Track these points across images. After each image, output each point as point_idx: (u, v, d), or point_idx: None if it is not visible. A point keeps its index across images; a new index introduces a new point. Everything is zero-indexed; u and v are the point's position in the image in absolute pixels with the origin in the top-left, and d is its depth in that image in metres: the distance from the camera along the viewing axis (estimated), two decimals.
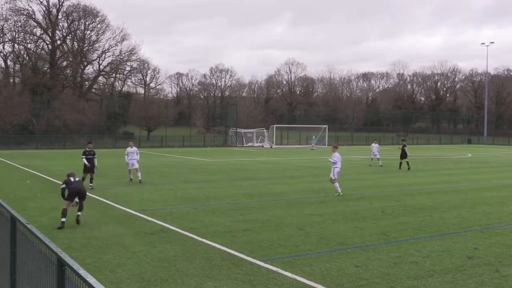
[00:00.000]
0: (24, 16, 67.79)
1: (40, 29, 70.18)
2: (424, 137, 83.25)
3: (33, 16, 68.40)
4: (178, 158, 39.66)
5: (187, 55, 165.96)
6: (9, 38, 69.03)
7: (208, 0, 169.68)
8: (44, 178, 23.59)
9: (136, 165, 22.48)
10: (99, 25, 73.96)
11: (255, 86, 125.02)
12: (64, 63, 73.31)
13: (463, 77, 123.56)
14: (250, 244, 10.88)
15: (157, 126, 74.57)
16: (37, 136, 55.82)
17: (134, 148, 22.96)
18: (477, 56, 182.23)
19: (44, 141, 54.90)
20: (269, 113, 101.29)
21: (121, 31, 76.43)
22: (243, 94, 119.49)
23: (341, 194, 18.42)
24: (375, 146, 32.94)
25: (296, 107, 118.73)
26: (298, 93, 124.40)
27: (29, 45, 70.46)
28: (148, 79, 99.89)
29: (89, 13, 72.42)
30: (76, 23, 72.95)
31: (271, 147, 61.52)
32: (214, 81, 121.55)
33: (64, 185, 13.20)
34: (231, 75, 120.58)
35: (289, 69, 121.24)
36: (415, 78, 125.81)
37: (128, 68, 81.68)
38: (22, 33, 68.80)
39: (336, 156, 18.78)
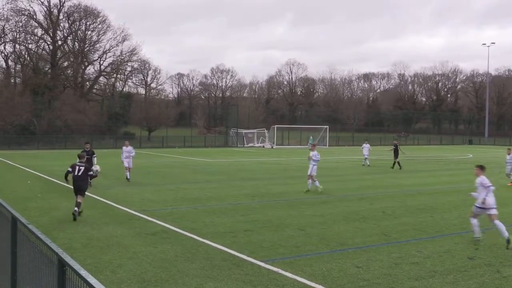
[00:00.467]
0: (25, 17, 67.91)
1: (41, 29, 70.31)
2: (425, 138, 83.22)
3: (34, 17, 68.55)
4: (179, 158, 39.67)
5: (188, 56, 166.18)
6: (10, 38, 69.19)
7: (209, 0, 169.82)
8: (44, 179, 23.59)
9: (131, 165, 23.00)
10: (100, 26, 74.15)
11: (256, 87, 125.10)
12: (65, 64, 73.40)
13: (464, 78, 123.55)
14: (251, 244, 10.88)
15: (158, 126, 74.60)
16: (38, 137, 55.85)
17: (129, 148, 23.34)
18: (479, 57, 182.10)
19: (45, 142, 54.93)
20: (270, 114, 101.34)
21: (122, 31, 76.63)
22: (244, 95, 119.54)
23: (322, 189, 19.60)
24: (366, 146, 33.60)
25: (297, 107, 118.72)
26: (299, 93, 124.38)
27: (30, 46, 70.61)
28: (149, 79, 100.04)
29: (90, 14, 72.53)
30: (77, 23, 73.06)
31: (272, 147, 61.51)
32: (215, 82, 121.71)
33: (70, 169, 14.12)
34: (232, 75, 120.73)
35: (290, 69, 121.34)
36: (416, 78, 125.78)
37: (129, 69, 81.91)
38: (23, 34, 68.95)
39: (318, 155, 20.49)
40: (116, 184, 21.51)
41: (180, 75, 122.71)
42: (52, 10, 69.52)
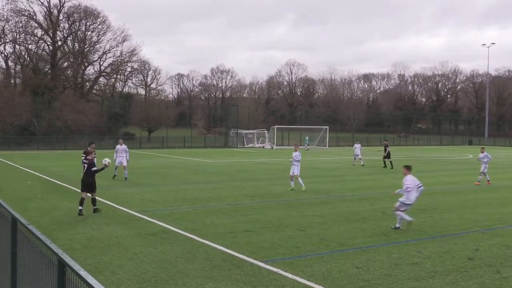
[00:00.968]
0: (25, 17, 67.89)
1: (41, 30, 70.29)
2: (425, 138, 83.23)
3: (34, 17, 68.53)
4: (179, 159, 39.67)
5: (188, 56, 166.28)
6: (10, 39, 69.17)
7: (209, 0, 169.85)
8: (44, 179, 23.60)
9: (125, 163, 23.27)
10: (100, 26, 74.14)
11: (256, 87, 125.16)
12: (65, 64, 73.40)
13: (464, 78, 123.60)
14: (251, 245, 10.87)
15: (158, 127, 74.60)
16: (38, 137, 55.83)
17: (124, 146, 23.70)
18: (479, 57, 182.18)
19: (45, 142, 54.92)
20: (269, 114, 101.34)
21: (122, 32, 76.66)
22: (244, 95, 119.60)
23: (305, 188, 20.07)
24: (357, 146, 34.10)
25: (297, 108, 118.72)
26: (299, 94, 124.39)
27: (30, 46, 70.59)
28: (149, 80, 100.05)
29: (90, 14, 72.53)
30: (77, 24, 73.06)
31: (272, 148, 61.49)
32: (215, 82, 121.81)
33: (86, 161, 15.43)
34: (232, 76, 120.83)
35: (290, 70, 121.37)
36: (416, 79, 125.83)
37: (129, 69, 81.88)
38: (23, 34, 68.91)
39: (300, 155, 20.93)
40: (116, 184, 21.51)
41: (180, 76, 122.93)
42: (52, 10, 69.56)
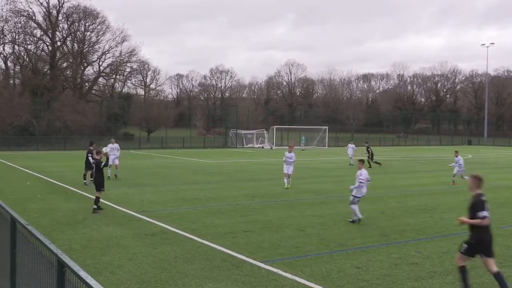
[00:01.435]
0: (24, 18, 67.87)
1: (40, 30, 70.28)
2: (425, 138, 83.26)
3: (33, 18, 68.52)
4: (179, 159, 39.66)
5: (187, 56, 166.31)
6: (9, 39, 69.15)
7: (209, 1, 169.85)
8: (44, 180, 23.58)
9: (116, 162, 23.73)
10: (99, 26, 74.18)
11: (255, 87, 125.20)
12: (64, 64, 73.37)
13: (463, 78, 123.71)
14: (251, 245, 10.87)
15: (157, 127, 74.58)
16: (37, 138, 55.80)
17: (116, 145, 24.20)
18: (479, 57, 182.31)
19: (44, 143, 54.90)
20: (269, 114, 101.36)
21: (121, 32, 76.71)
22: (243, 95, 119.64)
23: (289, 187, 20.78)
24: (350, 146, 34.78)
25: (296, 108, 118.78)
26: (298, 94, 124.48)
27: (29, 47, 70.57)
28: (148, 80, 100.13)
29: (89, 15, 72.53)
30: (76, 24, 73.06)
31: (271, 148, 61.49)
32: (214, 82, 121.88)
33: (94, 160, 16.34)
34: (231, 76, 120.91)
35: (289, 70, 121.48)
36: (415, 79, 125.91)
37: (128, 69, 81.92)
38: (22, 35, 68.90)
39: (294, 156, 21.78)
40: (115, 185, 21.50)
41: (179, 76, 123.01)
42: (51, 11, 69.52)
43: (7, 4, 66.53)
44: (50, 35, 69.89)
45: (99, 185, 15.05)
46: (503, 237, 12.07)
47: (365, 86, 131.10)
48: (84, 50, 74.45)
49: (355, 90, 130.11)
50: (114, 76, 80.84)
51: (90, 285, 3.49)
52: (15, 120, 55.38)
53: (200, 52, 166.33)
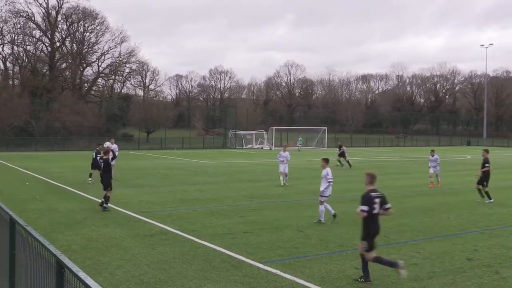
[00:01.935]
0: (24, 18, 67.79)
1: (39, 31, 70.19)
2: (424, 139, 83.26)
3: (33, 18, 68.43)
4: (178, 160, 39.65)
5: (187, 57, 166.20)
6: (8, 40, 69.00)
7: (208, 2, 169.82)
8: (43, 180, 23.57)
9: (113, 162, 23.31)
10: (98, 27, 74.10)
11: (255, 88, 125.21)
12: (63, 65, 73.32)
13: (462, 79, 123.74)
14: (250, 246, 10.87)
15: (156, 128, 74.53)
16: (36, 138, 55.74)
17: (115, 145, 24.34)
18: (479, 58, 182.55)
19: (43, 143, 54.84)
20: (268, 115, 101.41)
21: (121, 33, 76.57)
22: (243, 96, 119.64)
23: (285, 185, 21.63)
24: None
25: (295, 109, 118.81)
26: (297, 95, 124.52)
27: (28, 47, 70.47)
28: (147, 81, 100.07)
29: (89, 15, 72.47)
30: (76, 25, 72.98)
31: (270, 149, 61.45)
32: (213, 83, 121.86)
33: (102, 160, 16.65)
34: (230, 77, 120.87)
35: (289, 71, 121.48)
36: (414, 80, 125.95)
37: (127, 70, 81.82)
38: (21, 35, 68.79)
39: (289, 155, 22.80)
40: (115, 185, 21.40)
41: (178, 77, 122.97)
42: (50, 11, 69.45)
43: (6, 4, 66.40)
44: (49, 36, 69.84)
45: (108, 184, 15.38)
46: (502, 237, 12.08)
47: (364, 87, 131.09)
48: (83, 51, 74.40)
49: (354, 90, 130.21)
50: (113, 76, 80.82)
51: (89, 286, 3.49)
52: (14, 121, 55.31)
53: (200, 53, 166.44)
